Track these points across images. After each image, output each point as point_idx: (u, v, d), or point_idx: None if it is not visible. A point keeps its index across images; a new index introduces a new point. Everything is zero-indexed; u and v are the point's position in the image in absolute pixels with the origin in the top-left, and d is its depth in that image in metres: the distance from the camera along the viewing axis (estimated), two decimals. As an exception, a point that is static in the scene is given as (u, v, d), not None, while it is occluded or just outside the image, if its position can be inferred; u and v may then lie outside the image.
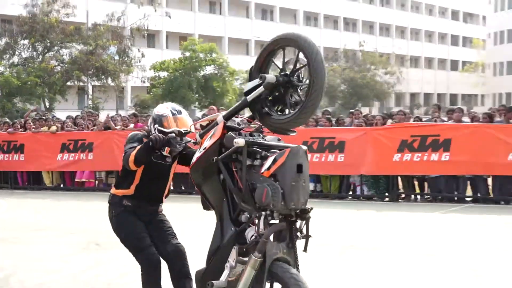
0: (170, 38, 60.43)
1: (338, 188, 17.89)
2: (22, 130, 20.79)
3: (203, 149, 5.36)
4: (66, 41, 39.05)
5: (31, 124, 21.06)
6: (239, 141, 4.93)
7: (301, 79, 5.12)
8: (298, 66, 5.06)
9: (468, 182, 16.52)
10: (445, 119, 17.75)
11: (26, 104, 37.91)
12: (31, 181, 20.28)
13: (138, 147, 5.83)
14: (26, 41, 38.85)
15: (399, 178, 17.37)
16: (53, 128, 20.53)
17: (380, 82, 63.96)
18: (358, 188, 17.63)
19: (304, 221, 5.02)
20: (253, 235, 5.14)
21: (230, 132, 5.20)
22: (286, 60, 5.17)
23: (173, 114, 6.02)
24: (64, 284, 8.11)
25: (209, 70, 46.58)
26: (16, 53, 38.91)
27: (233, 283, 5.14)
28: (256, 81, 5.10)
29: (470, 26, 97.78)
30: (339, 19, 79.66)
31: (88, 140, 19.15)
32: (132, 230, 6.27)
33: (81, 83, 42.00)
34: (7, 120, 25.00)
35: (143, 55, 42.61)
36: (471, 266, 9.41)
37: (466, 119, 18.18)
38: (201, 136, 5.60)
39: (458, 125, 16.48)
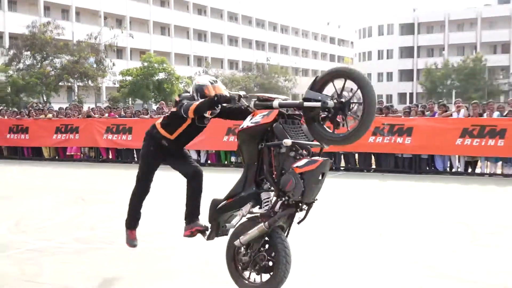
0: (133, 53, 59.62)
1: None
2: (27, 117, 20.57)
3: (255, 122, 4.80)
4: (57, 53, 38.67)
5: (33, 112, 20.96)
6: (287, 142, 4.55)
7: (351, 107, 4.50)
8: (352, 97, 4.47)
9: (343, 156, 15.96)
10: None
11: (30, 98, 37.53)
12: (34, 154, 20.08)
13: (201, 100, 5.29)
14: (28, 53, 38.29)
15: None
16: (49, 115, 20.48)
17: (281, 86, 64.41)
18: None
19: (307, 207, 4.80)
20: (267, 201, 4.86)
21: (279, 122, 4.69)
22: (342, 88, 4.52)
23: (211, 83, 5.51)
24: (57, 228, 8.06)
25: (161, 76, 46.44)
26: (21, 61, 38.35)
27: (239, 230, 4.99)
28: (318, 98, 4.50)
29: (343, 48, 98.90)
30: (252, 41, 79.80)
31: (75, 124, 18.87)
32: (152, 164, 6.06)
33: (69, 84, 41.72)
34: (15, 109, 24.96)
35: (114, 64, 42.26)
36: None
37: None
38: (256, 107, 4.97)
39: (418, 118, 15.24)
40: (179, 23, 67.37)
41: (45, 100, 38.31)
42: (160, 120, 5.90)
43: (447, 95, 59.60)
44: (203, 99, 5.27)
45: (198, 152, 17.54)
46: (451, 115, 15.37)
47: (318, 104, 4.45)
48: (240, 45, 77.47)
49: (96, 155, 19.09)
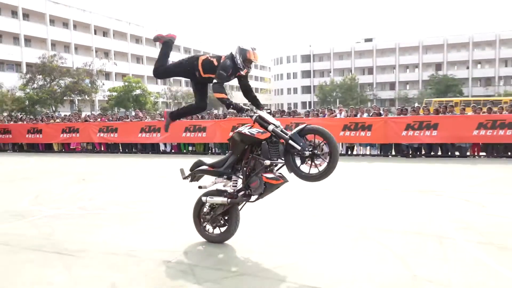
0: (117, 76, 58.09)
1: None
2: (41, 122, 19.84)
3: (251, 133, 4.54)
4: (62, 76, 37.62)
5: (45, 119, 20.27)
6: (267, 162, 4.46)
7: (319, 153, 4.38)
8: (321, 147, 4.39)
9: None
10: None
11: (42, 109, 36.24)
12: (46, 148, 19.24)
13: (224, 98, 4.62)
14: (40, 76, 37.01)
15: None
16: (58, 120, 19.96)
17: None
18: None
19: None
20: (235, 183, 4.75)
21: (267, 142, 4.49)
22: (312, 140, 4.42)
23: (253, 49, 4.75)
24: (65, 200, 7.86)
25: (138, 91, 45.86)
26: (35, 82, 37.04)
27: (210, 192, 4.88)
28: (300, 143, 4.35)
29: (263, 71, 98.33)
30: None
31: (76, 126, 18.26)
32: (191, 81, 5.10)
33: (71, 98, 40.52)
34: (32, 117, 24.10)
35: (103, 84, 41.33)
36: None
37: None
38: (256, 121, 4.59)
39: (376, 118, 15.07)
40: (150, 55, 66.03)
41: (54, 110, 37.19)
42: (204, 58, 4.90)
43: (333, 103, 61.02)
44: (224, 99, 4.62)
45: (165, 144, 17.36)
46: (336, 115, 15.77)
47: (298, 147, 4.36)
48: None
49: (92, 148, 18.57)
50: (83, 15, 55.27)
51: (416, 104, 39.64)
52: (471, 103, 29.06)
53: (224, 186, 4.92)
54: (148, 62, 65.84)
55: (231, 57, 4.78)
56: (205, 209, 4.98)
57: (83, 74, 38.93)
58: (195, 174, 5.02)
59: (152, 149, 17.49)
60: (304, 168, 4.50)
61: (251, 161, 4.64)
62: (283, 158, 4.53)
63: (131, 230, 5.73)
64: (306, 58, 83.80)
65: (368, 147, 14.88)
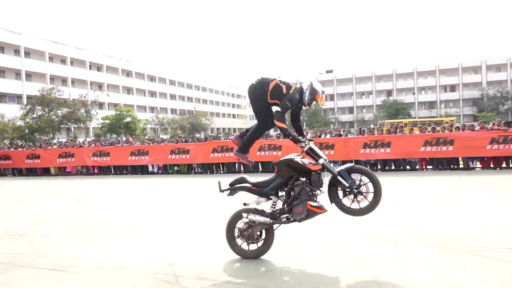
0: (110, 105, 57.30)
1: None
2: (39, 148, 19.26)
3: (303, 163, 4.31)
4: (59, 107, 36.86)
5: (44, 145, 19.67)
6: (318, 192, 4.37)
7: (363, 192, 4.31)
8: (365, 185, 4.31)
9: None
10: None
11: (41, 136, 35.09)
12: (44, 172, 18.62)
13: (284, 130, 4.36)
14: (40, 107, 36.11)
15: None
16: (55, 147, 19.32)
17: (204, 123, 63.89)
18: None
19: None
20: (274, 204, 4.51)
21: (316, 173, 4.35)
22: (359, 178, 4.33)
23: (322, 93, 4.44)
24: (61, 219, 7.59)
25: (128, 119, 45.29)
26: (35, 113, 36.11)
27: (251, 210, 4.55)
28: (348, 181, 4.29)
29: (239, 99, 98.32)
30: (185, 97, 78.86)
31: (72, 152, 17.78)
32: (262, 106, 4.55)
33: (67, 126, 39.67)
34: (31, 144, 23.33)
35: (97, 113, 40.79)
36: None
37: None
38: (307, 152, 4.38)
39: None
40: (139, 87, 65.64)
41: (52, 137, 36.29)
42: (275, 83, 4.51)
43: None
44: (286, 130, 4.36)
45: (153, 165, 17.07)
46: (303, 137, 15.83)
47: (346, 184, 4.30)
48: (177, 99, 76.37)
49: (86, 171, 18.08)
50: (79, 52, 54.69)
51: (372, 126, 40.40)
52: (417, 124, 29.79)
53: (261, 205, 4.62)
54: (138, 93, 65.40)
55: (301, 91, 4.44)
56: (241, 226, 4.60)
57: (79, 104, 38.37)
58: (235, 189, 4.64)
59: (141, 170, 17.16)
60: (345, 201, 4.41)
61: (297, 187, 4.39)
62: (322, 189, 4.41)
63: (121, 245, 5.52)
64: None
65: (332, 164, 14.92)
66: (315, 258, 4.60)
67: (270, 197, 4.53)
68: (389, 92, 74.42)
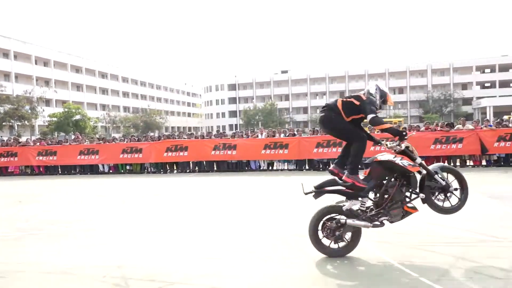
0: (58, 102, 54.66)
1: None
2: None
3: (403, 164, 4.24)
4: (1, 103, 34.78)
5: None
6: (422, 196, 4.34)
7: (451, 189, 4.41)
8: (457, 187, 4.46)
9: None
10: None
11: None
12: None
13: (391, 127, 4.26)
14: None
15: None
16: (-4, 146, 18.14)
17: (158, 122, 62.56)
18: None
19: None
20: (363, 204, 4.43)
21: (414, 174, 4.35)
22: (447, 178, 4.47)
23: (389, 94, 4.48)
24: (2, 222, 7.11)
25: (78, 117, 43.56)
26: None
27: (348, 212, 4.41)
28: (443, 181, 4.38)
29: (195, 98, 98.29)
30: (138, 95, 76.82)
31: (14, 150, 16.81)
32: (348, 124, 4.42)
33: (10, 123, 37.51)
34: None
35: (43, 110, 38.98)
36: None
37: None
38: (401, 153, 4.34)
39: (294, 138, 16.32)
40: (89, 83, 63.20)
41: (-6, 135, 34.20)
42: (340, 102, 4.43)
43: (256, 125, 61.98)
44: (391, 127, 4.27)
45: (103, 165, 16.50)
46: (258, 136, 15.92)
47: (443, 183, 4.37)
48: (130, 96, 74.28)
49: (31, 171, 17.15)
50: (24, 46, 51.74)
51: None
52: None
53: (352, 205, 4.46)
54: (88, 90, 62.93)
55: (371, 95, 4.39)
56: (330, 224, 4.45)
57: (23, 101, 36.35)
58: (323, 192, 4.46)
59: (91, 170, 16.53)
60: (437, 201, 4.45)
61: (390, 188, 4.33)
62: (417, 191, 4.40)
63: (67, 248, 5.29)
64: (232, 87, 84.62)
65: (286, 163, 15.15)
66: (267, 257, 4.63)
67: (361, 198, 4.43)
68: (341, 93, 76.53)
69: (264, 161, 15.20)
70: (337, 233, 4.42)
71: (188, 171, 15.39)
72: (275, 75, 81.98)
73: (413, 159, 4.32)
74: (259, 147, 14.65)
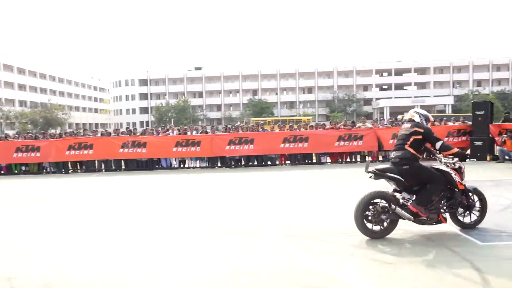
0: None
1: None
2: None
3: (455, 179, 4.96)
4: None
5: None
6: (460, 210, 5.15)
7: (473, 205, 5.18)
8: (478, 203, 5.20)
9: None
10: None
11: None
12: None
13: (458, 150, 4.93)
14: None
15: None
16: None
17: (60, 118, 57.90)
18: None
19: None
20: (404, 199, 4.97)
21: (459, 193, 5.05)
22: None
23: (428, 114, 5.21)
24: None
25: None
26: None
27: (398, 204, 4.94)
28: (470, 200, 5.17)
29: (102, 93, 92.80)
30: (37, 88, 70.37)
31: None
32: (429, 169, 4.96)
33: None
34: None
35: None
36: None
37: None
38: (455, 169, 5.03)
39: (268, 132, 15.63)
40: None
41: None
42: (408, 146, 4.95)
43: (169, 122, 60.70)
44: (458, 151, 4.94)
45: (-6, 166, 14.81)
46: (169, 133, 15.56)
47: (472, 203, 5.17)
48: (27, 89, 67.84)
49: None
50: None
51: (238, 123, 41.78)
52: (279, 122, 31.88)
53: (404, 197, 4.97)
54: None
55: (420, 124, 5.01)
56: (377, 208, 4.88)
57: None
58: (383, 176, 4.96)
59: (-22, 171, 14.72)
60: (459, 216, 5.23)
61: (443, 198, 4.98)
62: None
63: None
64: (143, 82, 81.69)
65: (198, 161, 15.02)
66: (178, 255, 4.55)
67: (405, 195, 4.97)
68: (254, 92, 78.17)
69: (175, 159, 14.89)
70: (382, 216, 4.88)
71: (94, 170, 14.49)
72: (189, 71, 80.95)
73: (462, 178, 5.03)
74: (170, 144, 14.31)
